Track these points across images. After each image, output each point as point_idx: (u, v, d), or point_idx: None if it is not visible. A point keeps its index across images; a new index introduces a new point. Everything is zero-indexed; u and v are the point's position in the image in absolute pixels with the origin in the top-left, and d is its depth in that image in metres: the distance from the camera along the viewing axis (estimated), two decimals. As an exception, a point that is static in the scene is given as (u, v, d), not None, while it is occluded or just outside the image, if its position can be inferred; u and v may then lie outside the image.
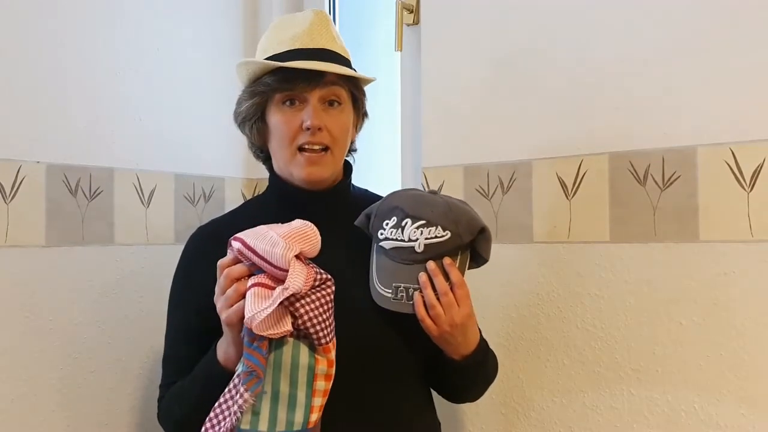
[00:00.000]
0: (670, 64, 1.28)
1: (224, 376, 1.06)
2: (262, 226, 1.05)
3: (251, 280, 1.01)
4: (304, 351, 1.02)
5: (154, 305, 1.55)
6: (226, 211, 1.69)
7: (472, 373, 1.20)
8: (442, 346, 1.15)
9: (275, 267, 1.00)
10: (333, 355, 1.04)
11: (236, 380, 1.02)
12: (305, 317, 1.00)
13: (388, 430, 1.17)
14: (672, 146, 1.27)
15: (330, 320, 1.04)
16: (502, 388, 1.45)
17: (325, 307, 1.03)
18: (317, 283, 1.04)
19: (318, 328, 1.01)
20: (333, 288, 1.05)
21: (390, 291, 1.12)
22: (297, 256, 1.02)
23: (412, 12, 1.68)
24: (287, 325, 1.00)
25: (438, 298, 1.10)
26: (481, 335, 1.20)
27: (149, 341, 1.55)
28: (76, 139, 1.46)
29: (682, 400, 1.26)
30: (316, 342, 1.02)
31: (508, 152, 1.46)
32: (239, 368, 1.02)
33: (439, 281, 1.10)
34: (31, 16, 1.39)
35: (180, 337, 1.22)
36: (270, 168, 1.29)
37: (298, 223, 1.06)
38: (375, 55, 1.89)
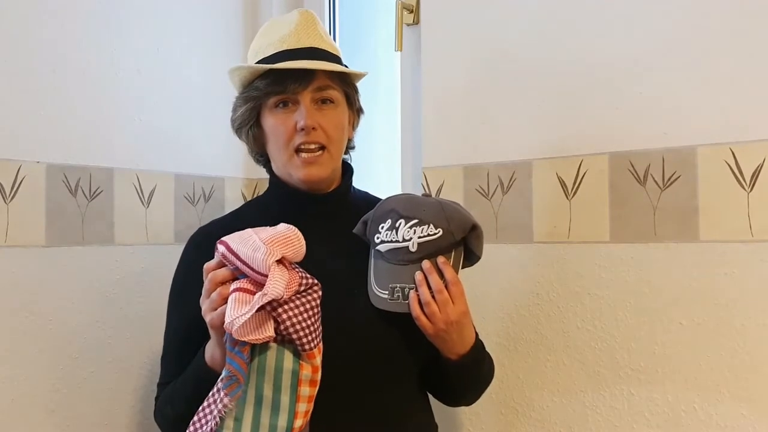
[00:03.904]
0: (670, 64, 1.28)
1: (212, 377, 1.06)
2: (248, 230, 1.05)
3: (233, 285, 1.00)
4: (288, 356, 1.01)
5: (154, 305, 1.55)
6: (225, 211, 1.70)
7: (469, 373, 1.21)
8: (438, 344, 1.15)
9: (257, 272, 0.99)
10: (318, 361, 1.02)
11: (219, 384, 1.02)
12: (287, 323, 0.99)
13: (386, 431, 1.17)
14: (672, 146, 1.27)
15: (315, 326, 1.02)
16: (502, 388, 1.45)
17: (310, 313, 1.01)
18: (302, 288, 1.02)
19: (301, 334, 1.00)
20: (320, 293, 1.04)
21: (386, 292, 1.13)
22: (280, 261, 1.01)
23: (412, 12, 1.68)
24: (269, 331, 0.99)
25: (433, 296, 1.10)
26: (477, 337, 1.20)
27: (149, 341, 1.55)
28: (76, 139, 1.46)
29: (682, 400, 1.26)
30: (299, 348, 1.01)
31: (508, 152, 1.46)
32: (222, 373, 1.02)
33: (434, 279, 1.11)
34: (32, 16, 1.39)
35: (178, 337, 1.23)
36: (270, 170, 1.29)
37: (282, 227, 1.05)
38: (375, 55, 1.89)
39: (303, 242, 1.05)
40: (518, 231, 1.44)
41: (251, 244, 1.00)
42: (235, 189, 1.82)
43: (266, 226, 1.12)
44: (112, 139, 1.52)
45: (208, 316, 1.03)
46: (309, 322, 1.01)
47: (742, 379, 1.21)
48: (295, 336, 1.00)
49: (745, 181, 1.20)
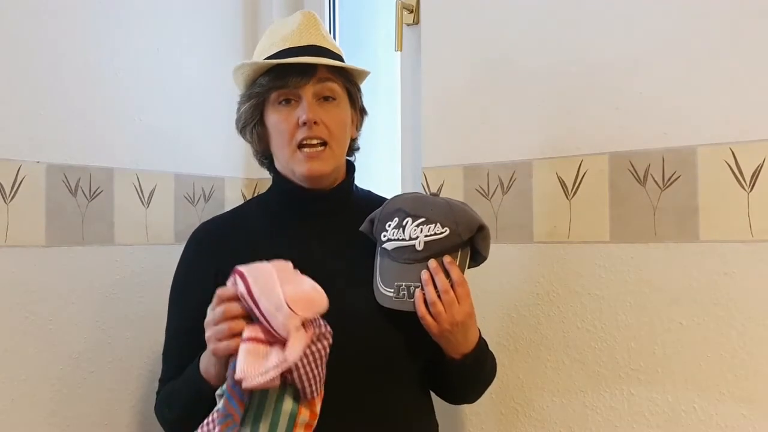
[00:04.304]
0: (670, 64, 1.28)
1: (206, 388, 1.07)
2: (269, 269, 1.00)
3: (246, 332, 0.98)
4: (288, 399, 1.00)
5: (154, 305, 1.55)
6: (226, 210, 1.70)
7: (472, 371, 1.21)
8: (442, 344, 1.15)
9: (274, 329, 0.97)
10: (317, 408, 1.02)
11: (215, 415, 1.00)
12: (295, 374, 0.97)
13: (386, 430, 1.17)
14: (672, 146, 1.27)
15: (321, 375, 1.01)
16: (502, 388, 1.45)
17: (318, 362, 0.99)
18: (314, 338, 1.00)
19: (306, 384, 0.99)
20: (330, 340, 1.01)
21: (392, 290, 1.13)
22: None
23: (412, 12, 1.68)
24: (276, 381, 0.97)
25: (439, 296, 1.10)
26: (480, 335, 1.20)
27: (149, 341, 1.55)
28: (76, 139, 1.46)
29: (682, 400, 1.26)
30: (302, 395, 1.00)
31: (508, 152, 1.46)
32: (219, 403, 1.00)
33: (440, 279, 1.11)
34: (31, 16, 1.39)
35: (179, 334, 1.23)
36: (273, 170, 1.29)
37: (308, 285, 1.01)
38: (375, 55, 1.89)
39: (326, 302, 1.01)
40: (518, 231, 1.44)
41: (274, 300, 0.97)
42: (235, 189, 1.82)
43: (267, 223, 1.11)
44: (112, 139, 1.52)
45: (212, 345, 1.02)
46: (316, 372, 0.99)
47: (742, 379, 1.21)
48: (299, 385, 0.99)
49: (745, 181, 1.20)
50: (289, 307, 0.96)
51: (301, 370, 0.98)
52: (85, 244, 1.47)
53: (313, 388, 1.00)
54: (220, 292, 1.02)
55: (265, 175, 1.33)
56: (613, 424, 1.33)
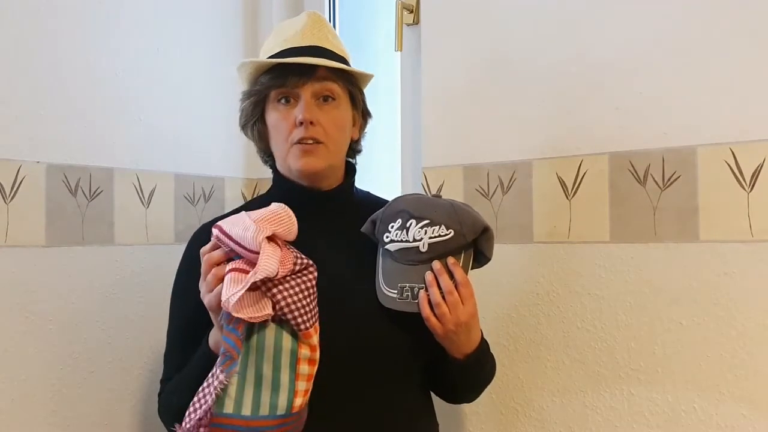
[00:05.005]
0: (670, 64, 1.28)
1: (216, 358, 1.06)
2: (241, 213, 1.06)
3: (229, 266, 1.02)
4: (286, 336, 1.03)
5: (154, 305, 1.55)
6: (225, 211, 1.70)
7: (473, 371, 1.21)
8: (445, 344, 1.16)
9: (249, 251, 1.00)
10: (315, 340, 1.04)
11: (216, 369, 1.03)
12: (282, 303, 1.01)
13: (387, 430, 1.17)
14: (672, 146, 1.27)
15: (310, 306, 1.03)
16: (502, 388, 1.45)
17: (305, 293, 1.03)
18: (297, 268, 1.03)
19: (296, 314, 1.01)
20: (315, 274, 1.05)
21: (395, 291, 1.13)
22: (271, 239, 1.02)
23: (412, 12, 1.68)
24: (267, 309, 1.00)
25: (443, 297, 1.10)
26: (483, 336, 1.20)
27: (149, 341, 1.55)
28: (76, 139, 1.46)
29: (682, 400, 1.26)
30: (295, 328, 1.02)
31: (508, 152, 1.46)
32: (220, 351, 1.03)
33: (444, 280, 1.11)
34: (31, 16, 1.39)
35: (181, 332, 1.23)
36: (275, 169, 1.30)
37: (273, 206, 1.07)
38: (375, 55, 1.89)
39: (294, 220, 1.06)
40: (518, 231, 1.44)
41: (242, 224, 1.02)
42: (235, 189, 1.82)
43: None
44: (112, 139, 1.52)
45: (206, 299, 1.05)
46: (304, 303, 1.02)
47: (742, 379, 1.21)
48: (290, 316, 1.01)
49: (745, 181, 1.20)
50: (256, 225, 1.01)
51: (288, 300, 1.01)
52: (85, 244, 1.47)
53: (305, 318, 1.02)
54: (201, 249, 1.07)
55: (265, 175, 1.33)
56: (613, 424, 1.33)
